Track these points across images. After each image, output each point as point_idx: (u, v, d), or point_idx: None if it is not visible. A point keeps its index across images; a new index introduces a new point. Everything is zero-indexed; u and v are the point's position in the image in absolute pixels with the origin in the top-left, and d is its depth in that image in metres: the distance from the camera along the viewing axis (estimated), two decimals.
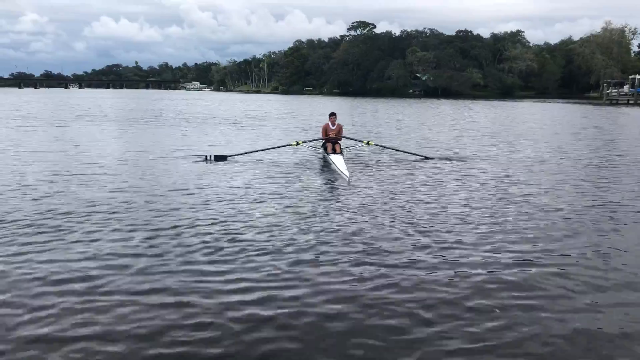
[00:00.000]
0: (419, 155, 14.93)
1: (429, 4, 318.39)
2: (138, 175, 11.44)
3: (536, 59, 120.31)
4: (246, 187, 10.07)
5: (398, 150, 15.39)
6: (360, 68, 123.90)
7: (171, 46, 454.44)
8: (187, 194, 9.39)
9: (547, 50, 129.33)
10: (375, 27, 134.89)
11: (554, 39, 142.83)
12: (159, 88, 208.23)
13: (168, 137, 20.26)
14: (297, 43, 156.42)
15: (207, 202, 8.74)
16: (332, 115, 14.35)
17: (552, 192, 10.07)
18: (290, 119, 33.28)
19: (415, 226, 7.48)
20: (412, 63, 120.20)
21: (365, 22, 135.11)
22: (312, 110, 44.43)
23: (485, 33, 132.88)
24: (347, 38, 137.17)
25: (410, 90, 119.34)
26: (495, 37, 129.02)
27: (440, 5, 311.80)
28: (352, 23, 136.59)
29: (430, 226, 7.50)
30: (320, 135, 14.74)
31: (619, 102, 68.26)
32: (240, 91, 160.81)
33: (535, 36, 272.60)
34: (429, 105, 58.51)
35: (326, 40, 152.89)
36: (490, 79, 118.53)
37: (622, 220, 8.06)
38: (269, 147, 15.08)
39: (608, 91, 72.46)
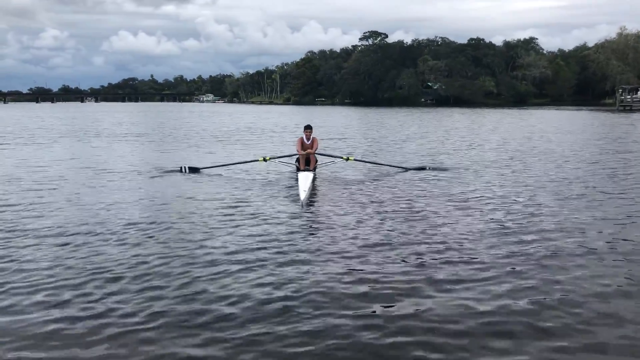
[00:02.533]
0: (402, 168, 14.17)
1: (444, 13, 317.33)
2: (87, 189, 11.06)
3: (550, 66, 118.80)
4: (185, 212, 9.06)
5: (380, 164, 14.38)
6: (372, 78, 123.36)
7: (188, 59, 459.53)
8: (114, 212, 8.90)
9: (561, 57, 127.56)
10: (387, 36, 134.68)
11: (571, 46, 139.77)
12: (174, 101, 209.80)
13: (139, 152, 19.82)
14: (309, 54, 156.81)
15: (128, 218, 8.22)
16: (308, 128, 13.16)
17: (547, 212, 8.95)
18: (291, 131, 32.54)
19: (364, 258, 6.48)
20: (424, 72, 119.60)
21: (377, 31, 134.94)
22: (322, 121, 43.29)
23: (501, 41, 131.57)
24: (359, 48, 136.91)
25: (422, 100, 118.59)
26: (508, 45, 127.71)
27: (456, 14, 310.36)
28: (364, 33, 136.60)
29: (378, 265, 6.25)
30: (295, 150, 13.41)
31: (633, 108, 66.65)
32: (252, 102, 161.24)
33: (553, 43, 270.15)
34: (441, 115, 57.56)
35: (338, 50, 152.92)
36: (503, 87, 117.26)
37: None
38: (232, 162, 14.05)
39: (622, 97, 70.90)
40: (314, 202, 10.09)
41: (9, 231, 7.64)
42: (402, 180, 12.54)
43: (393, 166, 14.36)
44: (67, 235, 7.42)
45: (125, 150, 20.43)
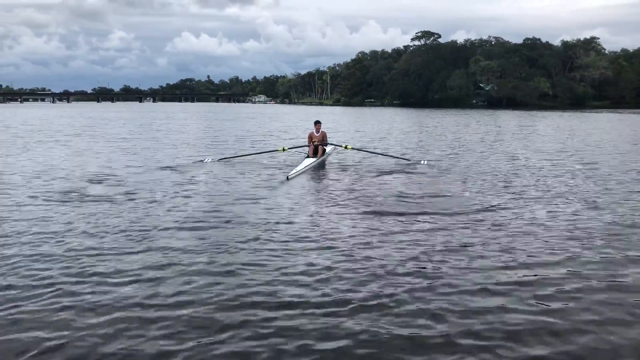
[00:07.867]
0: (397, 157, 15.53)
1: (509, 11, 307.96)
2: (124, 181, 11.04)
3: (611, 66, 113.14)
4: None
5: (375, 153, 16.49)
6: (422, 78, 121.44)
7: (247, 60, 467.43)
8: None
9: (625, 57, 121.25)
10: (440, 36, 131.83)
11: None
12: (229, 101, 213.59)
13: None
14: (359, 54, 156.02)
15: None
16: (317, 123, 15.68)
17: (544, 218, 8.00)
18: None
19: (315, 235, 7.02)
20: (475, 72, 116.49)
21: (429, 31, 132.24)
22: (372, 126, 41.14)
23: (564, 40, 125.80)
24: (411, 48, 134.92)
25: (474, 101, 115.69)
26: (566, 45, 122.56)
27: (522, 12, 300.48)
28: (416, 33, 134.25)
29: (338, 234, 7.01)
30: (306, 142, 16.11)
31: None
32: (303, 103, 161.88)
33: (622, 42, 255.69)
34: (492, 117, 55.45)
35: (389, 51, 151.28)
36: (559, 89, 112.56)
37: None
38: (257, 152, 16.86)
39: None
40: (300, 178, 12.06)
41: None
42: (395, 168, 13.72)
43: (393, 157, 15.78)
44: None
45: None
